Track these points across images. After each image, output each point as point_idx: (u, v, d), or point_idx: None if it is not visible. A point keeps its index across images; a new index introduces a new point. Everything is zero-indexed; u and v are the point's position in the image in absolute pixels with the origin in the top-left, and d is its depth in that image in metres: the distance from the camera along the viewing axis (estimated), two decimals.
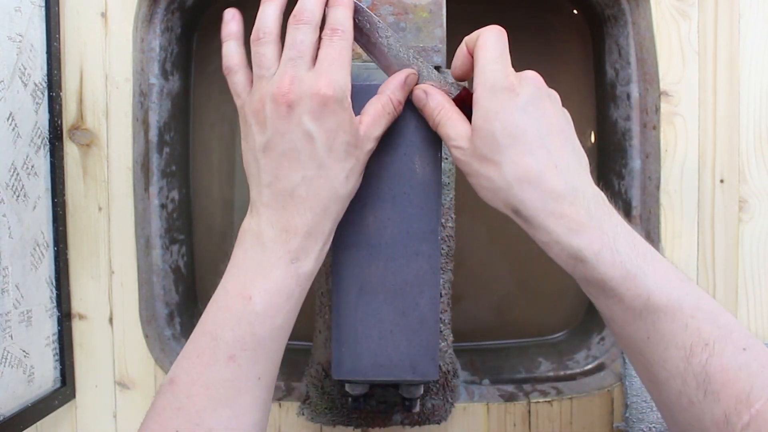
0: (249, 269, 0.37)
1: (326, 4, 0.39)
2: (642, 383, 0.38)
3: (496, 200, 0.37)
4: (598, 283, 0.35)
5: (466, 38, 0.40)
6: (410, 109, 0.43)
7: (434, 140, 0.43)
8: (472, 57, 0.39)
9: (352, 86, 0.42)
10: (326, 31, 0.38)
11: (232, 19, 0.40)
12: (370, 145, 0.39)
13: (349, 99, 0.37)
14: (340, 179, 0.38)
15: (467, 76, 0.40)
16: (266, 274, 0.37)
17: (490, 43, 0.38)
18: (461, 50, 0.40)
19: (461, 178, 0.66)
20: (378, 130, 0.39)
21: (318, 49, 0.38)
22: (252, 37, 0.39)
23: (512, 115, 0.36)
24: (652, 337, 0.34)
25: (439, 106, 0.40)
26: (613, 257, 0.34)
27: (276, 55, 0.38)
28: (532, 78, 0.38)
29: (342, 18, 0.38)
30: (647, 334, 0.34)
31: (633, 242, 0.35)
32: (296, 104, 0.36)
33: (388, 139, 0.43)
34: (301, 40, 0.37)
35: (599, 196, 0.36)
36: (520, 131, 0.36)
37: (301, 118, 0.36)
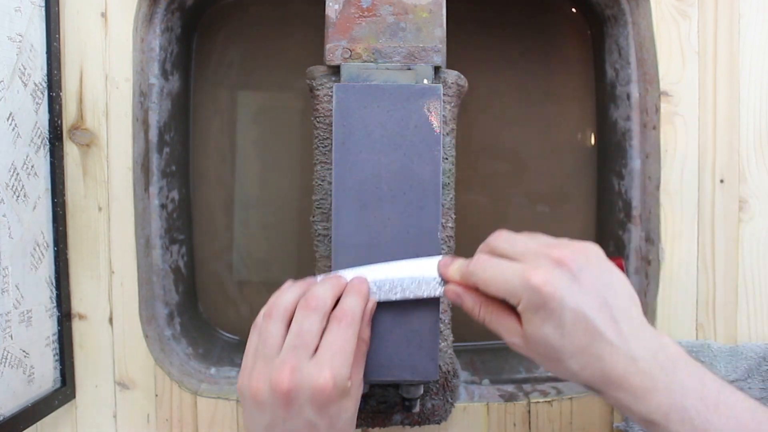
0: None
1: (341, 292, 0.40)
2: None
3: (569, 379, 0.38)
4: None
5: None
6: (410, 108, 0.43)
7: (434, 140, 0.43)
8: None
9: (353, 86, 0.42)
10: (335, 314, 0.39)
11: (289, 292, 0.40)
12: (360, 391, 0.41)
13: (349, 384, 0.38)
14: None
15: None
16: None
17: (478, 268, 0.39)
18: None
19: (461, 177, 0.66)
20: (362, 372, 0.41)
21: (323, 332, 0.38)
22: (265, 310, 0.40)
23: (557, 316, 0.36)
24: None
25: (477, 304, 0.40)
26: (682, 416, 0.35)
27: (281, 337, 0.38)
28: (562, 258, 0.37)
29: (353, 305, 0.39)
30: None
31: (702, 393, 0.35)
32: (295, 396, 0.36)
33: (388, 139, 0.43)
34: (307, 330, 0.38)
35: (662, 351, 0.36)
36: (569, 327, 0.36)
37: (302, 408, 0.37)
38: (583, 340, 0.35)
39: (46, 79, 0.52)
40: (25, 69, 0.49)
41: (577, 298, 0.35)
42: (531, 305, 0.36)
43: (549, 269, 0.36)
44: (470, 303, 0.40)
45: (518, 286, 0.36)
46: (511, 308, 0.38)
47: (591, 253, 0.37)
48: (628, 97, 0.58)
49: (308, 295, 0.39)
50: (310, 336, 0.37)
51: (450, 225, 0.49)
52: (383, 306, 0.44)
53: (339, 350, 0.37)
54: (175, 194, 0.61)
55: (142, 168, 0.56)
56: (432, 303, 0.44)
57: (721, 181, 0.55)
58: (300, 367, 0.37)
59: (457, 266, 0.41)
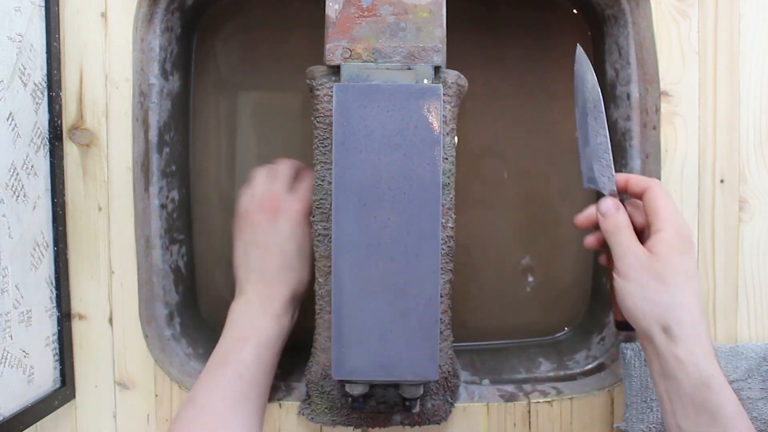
0: (245, 323, 0.51)
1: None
2: None
3: (649, 313, 0.43)
4: (714, 409, 0.41)
5: (629, 181, 0.49)
6: (410, 108, 0.43)
7: (434, 140, 0.43)
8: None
9: (353, 86, 0.42)
10: (303, 170, 0.56)
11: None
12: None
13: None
14: (306, 268, 0.53)
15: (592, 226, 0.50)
16: (258, 324, 0.50)
17: (668, 198, 0.47)
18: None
19: (461, 178, 0.66)
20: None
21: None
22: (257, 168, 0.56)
23: (688, 258, 0.45)
24: None
25: (625, 222, 0.47)
26: (731, 391, 0.41)
27: (267, 183, 0.55)
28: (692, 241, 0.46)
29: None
30: None
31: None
32: (280, 213, 0.53)
33: (388, 139, 0.43)
34: (281, 169, 0.55)
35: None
36: (692, 270, 0.44)
37: (284, 224, 0.52)
38: (694, 295, 0.44)
39: (46, 79, 0.52)
40: (25, 69, 0.49)
41: (695, 270, 0.45)
42: (678, 237, 0.44)
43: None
44: (624, 219, 0.47)
45: (679, 223, 0.45)
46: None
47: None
48: (628, 97, 0.58)
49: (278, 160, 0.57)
50: (286, 175, 0.55)
51: (450, 225, 0.49)
52: (383, 306, 0.44)
53: (308, 190, 0.53)
54: (175, 194, 0.61)
55: (142, 168, 0.56)
56: (432, 303, 0.44)
57: (721, 181, 0.55)
58: (282, 195, 0.53)
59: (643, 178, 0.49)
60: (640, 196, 0.48)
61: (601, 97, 0.50)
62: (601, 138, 0.50)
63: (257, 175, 0.55)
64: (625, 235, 0.46)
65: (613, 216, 0.47)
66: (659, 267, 0.43)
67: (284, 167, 0.55)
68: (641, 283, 0.43)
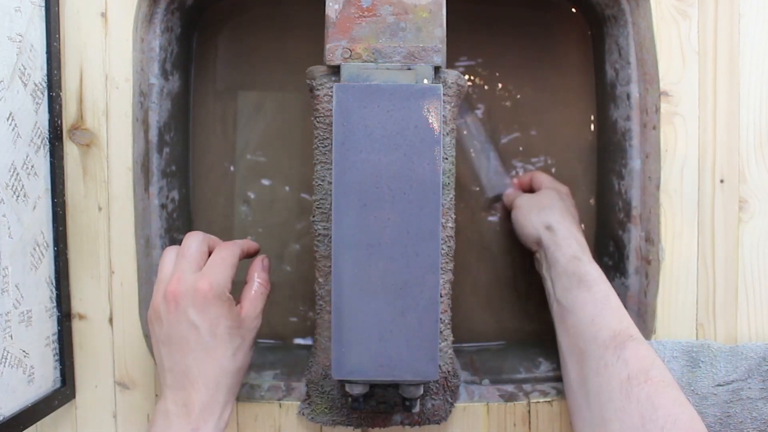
0: None
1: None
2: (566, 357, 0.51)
3: (535, 221, 0.57)
4: (581, 274, 0.51)
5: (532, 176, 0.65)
6: (410, 108, 0.43)
7: (434, 140, 0.43)
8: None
9: (353, 86, 0.42)
10: (217, 244, 0.49)
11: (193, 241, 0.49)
12: (253, 323, 0.48)
13: (228, 293, 0.46)
14: (227, 357, 0.46)
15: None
16: None
17: (544, 175, 0.65)
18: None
19: (461, 178, 0.66)
20: (257, 309, 0.48)
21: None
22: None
23: (560, 198, 0.61)
24: (586, 303, 0.50)
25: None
26: (597, 265, 0.53)
27: (171, 267, 0.47)
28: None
29: (233, 241, 0.49)
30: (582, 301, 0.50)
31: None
32: (181, 299, 0.45)
33: (388, 139, 0.43)
34: (188, 246, 0.47)
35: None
36: (564, 204, 0.60)
37: (187, 310, 0.44)
38: (560, 209, 0.58)
39: (46, 79, 0.52)
40: (25, 69, 0.49)
41: (565, 203, 0.61)
42: (551, 185, 0.63)
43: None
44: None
45: (551, 184, 0.63)
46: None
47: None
48: (628, 97, 0.58)
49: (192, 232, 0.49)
50: (190, 252, 0.47)
51: (450, 225, 0.49)
52: (383, 306, 0.44)
53: (217, 263, 0.46)
54: (175, 194, 0.61)
55: (142, 168, 0.56)
56: (432, 303, 0.44)
57: (721, 181, 0.55)
58: (185, 277, 0.45)
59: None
60: (530, 184, 0.64)
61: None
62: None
63: (163, 258, 0.48)
64: (517, 194, 0.64)
65: (509, 194, 0.66)
66: (539, 198, 0.60)
67: (192, 243, 0.47)
68: (529, 208, 0.59)
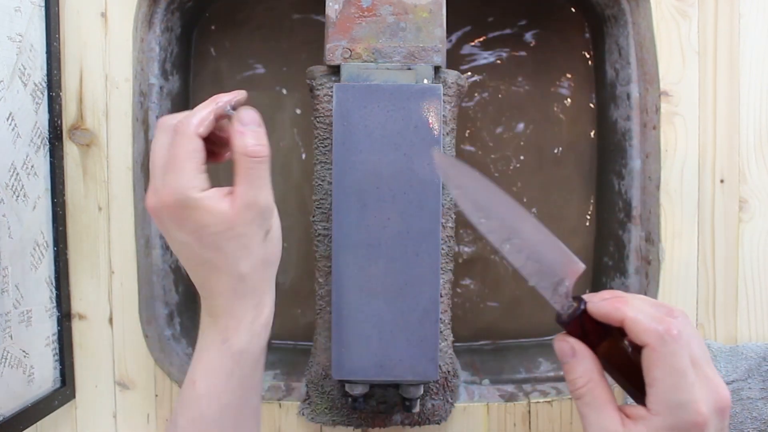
0: (195, 356, 0.39)
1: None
2: None
3: None
4: None
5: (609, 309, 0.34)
6: (410, 108, 0.43)
7: (434, 140, 0.43)
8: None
9: (353, 86, 0.42)
10: (173, 126, 0.37)
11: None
12: (255, 210, 0.37)
13: (196, 195, 0.36)
14: (232, 263, 0.37)
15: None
16: (203, 358, 0.38)
17: (669, 365, 0.32)
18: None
19: None
20: (255, 189, 0.37)
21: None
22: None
23: None
24: None
25: (587, 375, 0.34)
26: None
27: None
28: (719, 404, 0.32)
29: (194, 112, 0.37)
30: None
31: None
32: (159, 216, 0.37)
33: (388, 139, 0.43)
34: (157, 147, 0.37)
35: None
36: None
37: (169, 229, 0.37)
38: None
39: (46, 79, 0.52)
40: (25, 69, 0.49)
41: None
42: (675, 422, 0.31)
43: (714, 415, 0.32)
44: (580, 371, 0.34)
45: (682, 400, 0.31)
46: (613, 400, 0.33)
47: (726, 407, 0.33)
48: (628, 97, 0.58)
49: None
50: (159, 154, 0.37)
51: (450, 225, 0.49)
52: (383, 306, 0.44)
53: (174, 162, 0.36)
54: None
55: (142, 168, 0.56)
56: (432, 303, 0.44)
57: (721, 181, 0.55)
58: (156, 187, 0.36)
59: (602, 296, 0.35)
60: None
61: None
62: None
63: (155, 141, 0.38)
64: (595, 408, 0.33)
65: (573, 371, 0.34)
66: (669, 420, 0.31)
67: (160, 138, 0.37)
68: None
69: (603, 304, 0.34)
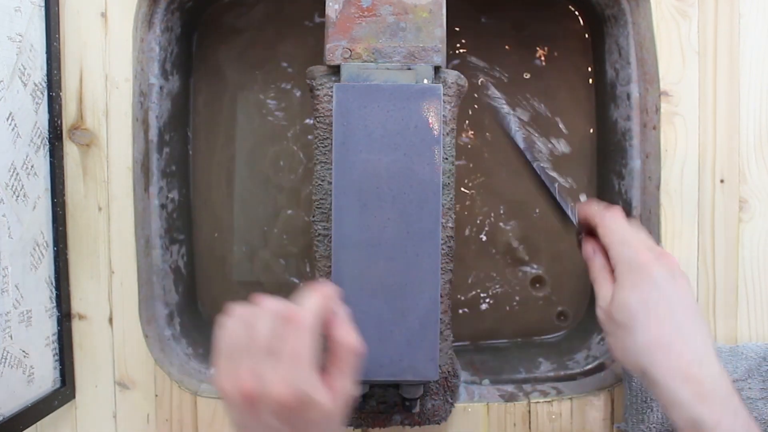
0: None
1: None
2: None
3: (627, 360, 0.41)
4: None
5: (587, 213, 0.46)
6: (410, 108, 0.43)
7: (434, 140, 0.43)
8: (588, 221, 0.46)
9: (353, 86, 0.42)
10: (282, 314, 0.37)
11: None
12: (342, 401, 0.37)
13: (318, 396, 0.35)
14: None
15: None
16: None
17: (616, 227, 0.43)
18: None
19: (461, 177, 0.66)
20: (352, 386, 0.38)
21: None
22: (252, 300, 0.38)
23: (642, 290, 0.40)
24: None
25: (600, 267, 0.44)
26: (729, 430, 0.36)
27: (244, 337, 0.36)
28: (667, 259, 0.42)
29: (305, 304, 0.37)
30: None
31: (749, 426, 0.37)
32: (258, 404, 0.35)
33: (388, 139, 0.43)
34: (260, 329, 0.36)
35: (724, 373, 0.39)
36: (653, 304, 0.40)
37: (266, 417, 0.35)
38: (662, 327, 0.39)
39: (45, 79, 0.52)
40: (24, 69, 0.49)
41: (668, 288, 0.40)
42: (629, 271, 0.41)
43: (655, 260, 0.41)
44: (598, 265, 0.44)
45: (628, 254, 0.41)
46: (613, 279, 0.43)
47: (674, 262, 0.42)
48: (628, 97, 0.58)
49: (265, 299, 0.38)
50: (263, 336, 0.36)
51: (450, 225, 0.49)
52: (383, 306, 0.44)
53: (294, 357, 0.35)
54: (175, 194, 0.61)
55: (142, 168, 0.56)
56: (432, 303, 0.44)
57: (721, 181, 0.55)
58: (261, 373, 0.35)
59: (596, 209, 0.45)
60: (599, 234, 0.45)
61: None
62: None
63: (226, 324, 0.37)
64: (598, 283, 0.44)
65: (590, 261, 0.45)
66: (615, 312, 0.41)
67: (262, 324, 0.36)
68: (611, 332, 0.42)
69: (582, 210, 0.47)
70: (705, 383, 0.37)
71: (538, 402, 0.55)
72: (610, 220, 0.44)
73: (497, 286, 0.67)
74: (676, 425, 0.38)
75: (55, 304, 0.53)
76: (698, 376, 0.37)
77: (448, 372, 0.52)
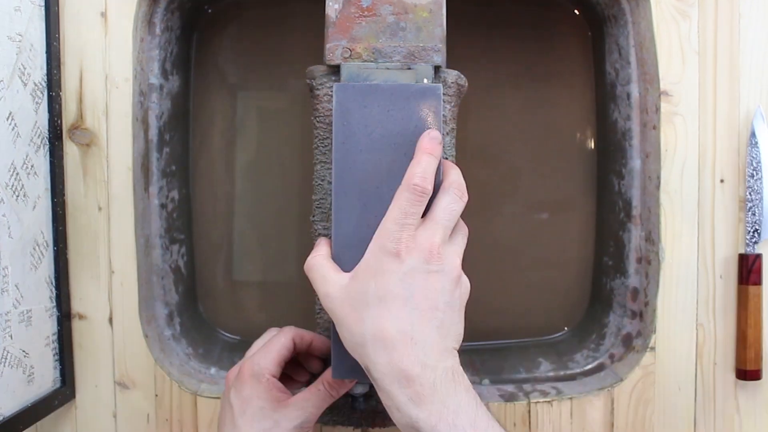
0: None
1: None
2: None
3: (354, 352, 0.38)
4: None
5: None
6: (410, 108, 0.43)
7: None
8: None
9: (353, 86, 0.42)
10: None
11: None
12: (294, 413, 0.44)
13: (268, 375, 0.44)
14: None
15: None
16: None
17: (399, 202, 0.39)
18: None
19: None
20: (309, 404, 0.44)
21: None
22: None
23: (388, 279, 0.37)
24: None
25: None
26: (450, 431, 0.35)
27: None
28: (423, 250, 0.37)
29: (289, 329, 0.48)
30: None
31: (475, 419, 0.36)
32: (229, 381, 0.45)
33: (388, 139, 0.43)
34: (261, 337, 0.50)
35: (450, 371, 0.37)
36: (390, 296, 0.37)
37: (229, 391, 0.45)
38: (392, 323, 0.36)
39: (45, 78, 0.52)
40: (24, 69, 0.49)
41: (414, 283, 0.37)
42: (380, 254, 0.38)
43: (413, 249, 0.37)
44: None
45: (384, 236, 0.39)
46: None
47: (433, 254, 0.37)
48: (628, 96, 0.58)
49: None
50: (258, 343, 0.48)
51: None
52: None
53: (264, 347, 0.46)
54: (175, 194, 0.61)
55: (142, 168, 0.56)
56: None
57: (721, 181, 0.55)
58: (241, 362, 0.46)
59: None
60: None
61: None
62: None
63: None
64: (319, 277, 0.41)
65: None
66: (353, 294, 0.38)
67: (266, 335, 0.49)
68: (341, 316, 0.38)
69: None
70: (425, 385, 0.36)
71: (538, 402, 0.55)
72: (402, 194, 0.39)
73: (497, 286, 0.67)
74: (399, 427, 0.37)
75: (55, 304, 0.53)
76: (419, 377, 0.36)
77: None
